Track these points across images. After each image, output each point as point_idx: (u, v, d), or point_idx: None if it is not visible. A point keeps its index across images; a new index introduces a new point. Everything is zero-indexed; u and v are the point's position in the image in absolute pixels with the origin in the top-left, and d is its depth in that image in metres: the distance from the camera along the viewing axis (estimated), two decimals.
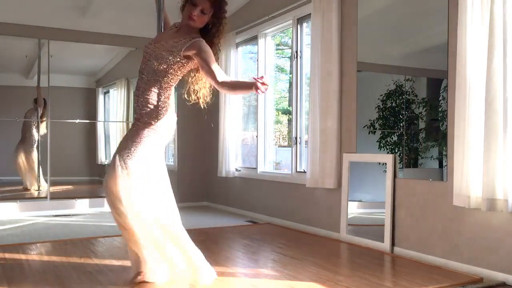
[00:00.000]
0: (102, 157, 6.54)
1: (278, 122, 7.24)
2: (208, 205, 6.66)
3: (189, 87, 2.91)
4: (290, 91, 5.77)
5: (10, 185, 5.94)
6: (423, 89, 3.94)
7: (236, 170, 5.93)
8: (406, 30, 4.03)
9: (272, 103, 5.77)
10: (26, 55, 6.01)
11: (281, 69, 6.96)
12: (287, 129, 7.19)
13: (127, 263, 3.00)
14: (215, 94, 3.00)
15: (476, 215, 3.14)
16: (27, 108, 5.91)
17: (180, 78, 2.86)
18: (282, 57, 7.10)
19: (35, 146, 5.89)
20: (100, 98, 6.59)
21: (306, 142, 4.76)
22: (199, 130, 6.47)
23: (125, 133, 3.19)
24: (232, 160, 5.92)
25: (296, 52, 5.04)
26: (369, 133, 4.13)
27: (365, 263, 3.39)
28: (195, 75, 2.89)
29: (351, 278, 2.95)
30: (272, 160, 5.75)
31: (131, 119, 6.30)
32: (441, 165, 3.59)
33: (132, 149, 2.69)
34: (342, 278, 2.97)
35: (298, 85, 5.03)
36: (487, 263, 3.07)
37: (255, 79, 2.50)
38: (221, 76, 2.66)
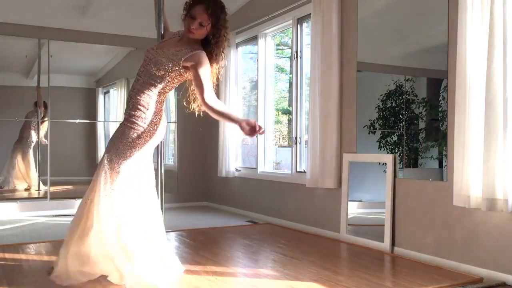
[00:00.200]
0: None
1: (278, 122, 7.24)
2: (208, 205, 6.66)
3: (189, 95, 2.95)
4: (290, 91, 5.77)
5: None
6: (423, 89, 3.94)
7: (236, 170, 5.93)
8: (406, 30, 4.03)
9: (272, 103, 5.78)
10: (26, 55, 6.01)
11: (281, 69, 6.96)
12: (287, 129, 7.19)
13: None
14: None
15: (476, 215, 3.14)
16: (27, 108, 5.90)
17: (176, 86, 2.91)
18: (282, 57, 7.10)
19: (32, 147, 5.89)
20: (100, 98, 6.58)
21: (306, 142, 4.76)
22: (199, 130, 6.47)
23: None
24: (232, 160, 5.92)
25: (296, 52, 5.04)
26: (369, 133, 4.13)
27: (365, 263, 3.39)
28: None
29: (351, 278, 2.95)
30: (272, 160, 5.75)
31: None
32: (441, 165, 3.59)
33: (120, 149, 2.74)
34: (342, 278, 2.97)
35: (298, 85, 5.03)
36: (487, 263, 3.07)
37: (255, 125, 2.56)
38: (209, 96, 2.68)
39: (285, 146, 6.84)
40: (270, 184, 5.35)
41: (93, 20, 5.74)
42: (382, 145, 4.03)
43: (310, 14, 4.60)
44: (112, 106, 6.66)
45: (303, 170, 4.93)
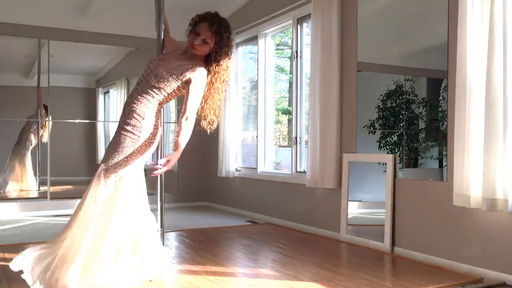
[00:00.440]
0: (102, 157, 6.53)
1: (278, 122, 7.23)
2: (208, 205, 6.66)
3: (201, 114, 2.95)
4: (290, 91, 5.76)
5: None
6: (423, 89, 3.94)
7: (236, 170, 5.93)
8: (406, 30, 4.03)
9: (272, 103, 5.77)
10: (26, 55, 6.01)
11: (281, 69, 6.95)
12: (287, 129, 7.18)
13: None
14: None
15: (476, 215, 3.14)
16: (27, 108, 5.90)
17: (173, 99, 2.93)
18: (282, 57, 7.09)
19: (30, 150, 5.89)
20: (100, 98, 6.58)
21: (306, 142, 4.76)
22: (199, 130, 6.46)
23: None
24: (232, 160, 5.92)
25: (296, 52, 5.04)
26: (369, 133, 4.13)
27: (365, 263, 3.39)
28: (206, 103, 2.94)
29: (351, 278, 2.95)
30: (272, 160, 5.75)
31: None
32: (441, 165, 3.59)
33: (115, 158, 2.74)
34: (342, 278, 2.97)
35: (298, 85, 5.03)
36: (487, 263, 3.07)
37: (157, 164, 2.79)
38: (191, 115, 2.80)
39: (285, 146, 6.83)
40: (270, 184, 5.35)
41: (93, 20, 5.74)
42: (382, 145, 4.03)
43: (310, 14, 4.60)
44: (112, 106, 6.66)
45: (303, 170, 4.93)
